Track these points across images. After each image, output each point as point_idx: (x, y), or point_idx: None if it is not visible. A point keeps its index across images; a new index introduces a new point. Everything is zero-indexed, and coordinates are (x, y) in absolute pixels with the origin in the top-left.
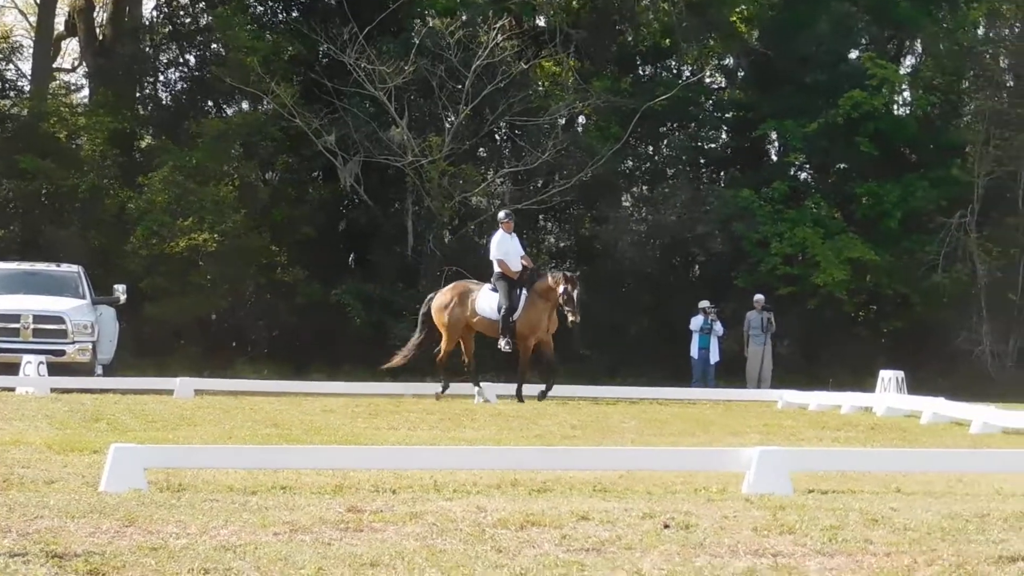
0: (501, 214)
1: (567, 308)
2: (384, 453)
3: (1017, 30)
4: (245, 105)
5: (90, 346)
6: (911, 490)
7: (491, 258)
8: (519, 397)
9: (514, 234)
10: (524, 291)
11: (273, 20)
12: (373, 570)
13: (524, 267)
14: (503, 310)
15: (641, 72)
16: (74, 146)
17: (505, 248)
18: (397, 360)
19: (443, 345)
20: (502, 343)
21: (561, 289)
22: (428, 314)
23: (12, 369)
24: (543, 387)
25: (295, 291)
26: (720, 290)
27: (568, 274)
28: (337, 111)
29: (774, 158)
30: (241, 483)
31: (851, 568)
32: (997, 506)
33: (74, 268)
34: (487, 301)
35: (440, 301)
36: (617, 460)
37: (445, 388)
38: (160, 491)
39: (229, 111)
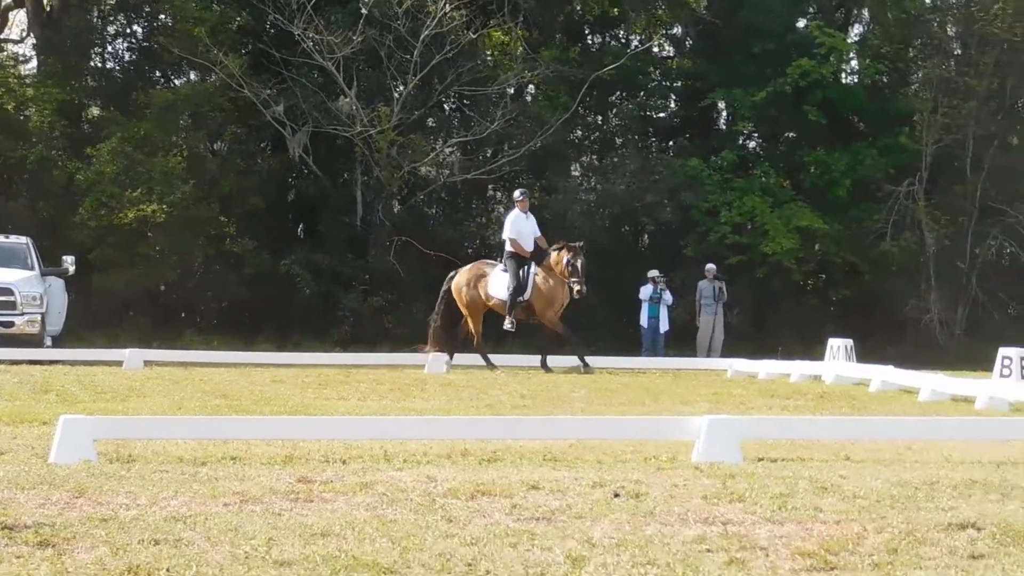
0: (516, 193)
1: (572, 279)
2: (334, 423)
3: None
4: (193, 76)
5: (39, 317)
6: (860, 458)
7: (504, 237)
8: (544, 365)
9: (530, 214)
10: (532, 269)
11: None
12: (323, 540)
13: (537, 247)
14: (511, 289)
15: (590, 41)
16: (22, 117)
17: (519, 228)
18: (431, 345)
19: (472, 327)
20: (506, 323)
21: (565, 260)
22: (449, 292)
23: None
24: (542, 357)
25: (244, 262)
26: (669, 259)
27: (571, 244)
28: (285, 81)
29: (723, 127)
30: (191, 454)
31: (801, 536)
32: (946, 473)
33: (22, 239)
34: (499, 281)
35: (458, 282)
36: (567, 429)
37: (489, 364)
38: (110, 462)
39: (177, 82)
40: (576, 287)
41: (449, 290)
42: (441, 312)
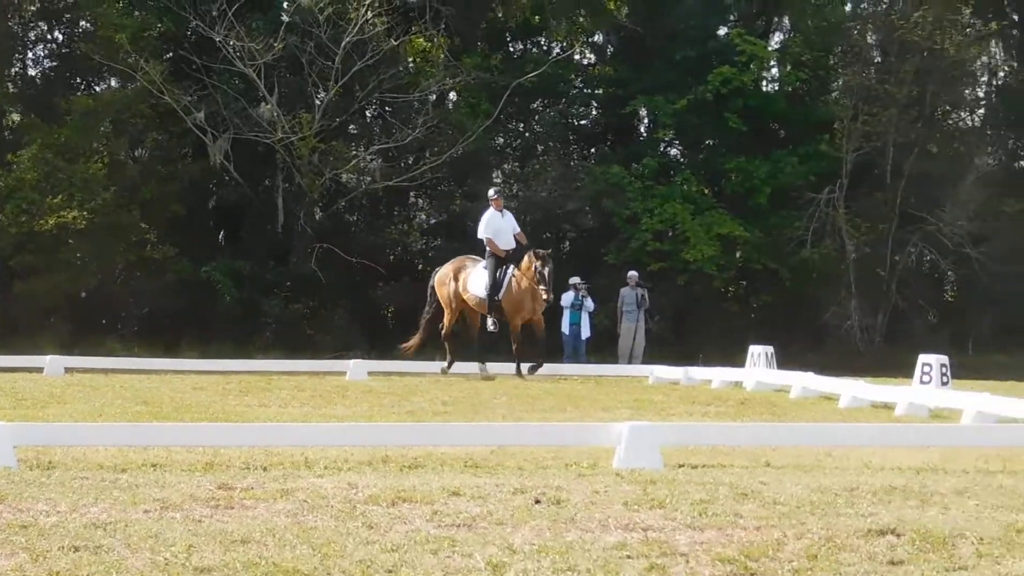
0: (491, 191)
1: (540, 286)
2: (255, 430)
3: (884, 6)
4: (114, 82)
5: None
6: (781, 464)
7: (480, 236)
8: (518, 372)
9: (506, 211)
10: (509, 271)
11: None
12: (244, 547)
13: (518, 244)
14: (488, 289)
15: (511, 49)
16: None
17: (496, 226)
18: (415, 342)
19: (445, 319)
20: (488, 323)
21: (534, 268)
22: (433, 287)
23: None
24: (532, 364)
25: (165, 268)
26: (591, 266)
27: (539, 251)
28: (207, 88)
29: (644, 134)
30: (111, 461)
31: (721, 542)
32: (866, 480)
33: None
34: (478, 278)
35: (440, 275)
36: (488, 436)
37: (451, 364)
38: (30, 469)
39: (98, 88)
40: (543, 295)
41: (433, 285)
42: (433, 306)
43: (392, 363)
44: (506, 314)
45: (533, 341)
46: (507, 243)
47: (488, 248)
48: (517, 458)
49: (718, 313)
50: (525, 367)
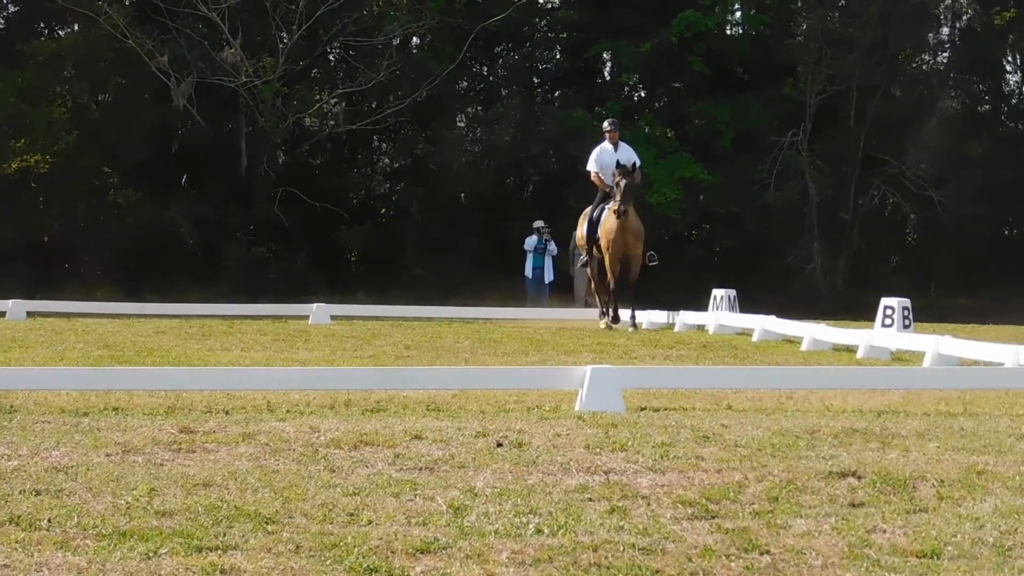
0: (605, 123)
1: (616, 199)
2: (217, 374)
3: None
4: (77, 26)
5: None
6: (742, 407)
7: (587, 169)
8: (613, 320)
9: (623, 144)
10: (608, 204)
11: None
12: (206, 490)
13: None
14: (586, 226)
15: None
16: None
17: (603, 161)
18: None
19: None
20: (579, 260)
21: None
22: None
23: None
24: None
25: (128, 213)
26: (554, 210)
27: (623, 166)
28: (170, 32)
29: (607, 78)
30: (73, 405)
31: (682, 484)
32: (826, 422)
33: None
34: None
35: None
36: (450, 379)
37: (606, 310)
38: None
39: (61, 32)
40: (613, 206)
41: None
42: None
43: (355, 307)
44: (601, 250)
45: (626, 283)
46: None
47: (595, 182)
48: (479, 401)
49: (681, 256)
50: (625, 314)
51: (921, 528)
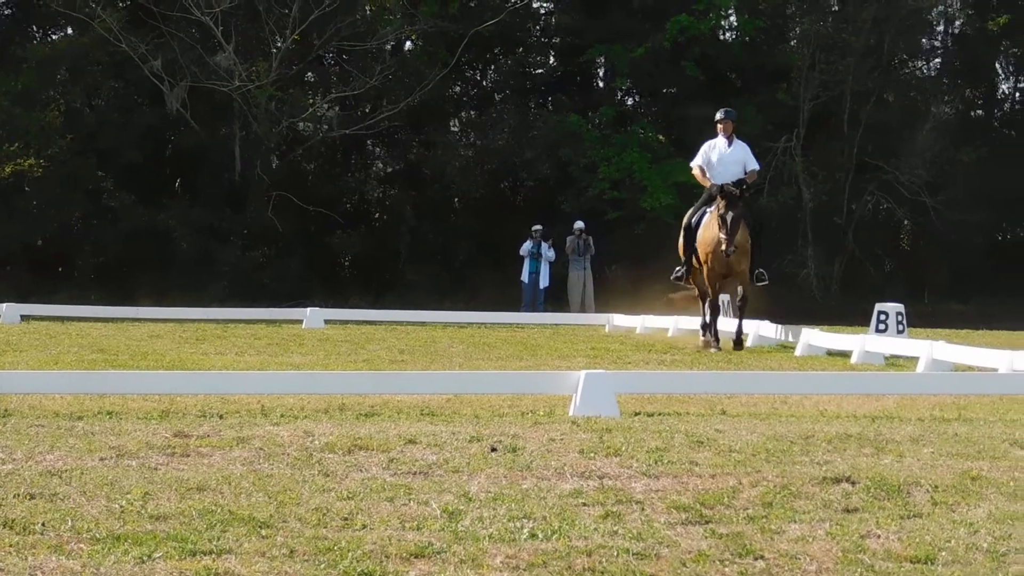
0: (718, 113)
1: (720, 233)
2: (211, 378)
3: None
4: (71, 30)
5: None
6: (736, 412)
7: (691, 164)
8: (711, 338)
9: (738, 141)
10: (710, 209)
11: None
12: (200, 494)
13: (744, 183)
14: (684, 231)
15: None
16: None
17: (708, 156)
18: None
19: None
20: (676, 272)
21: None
22: None
23: None
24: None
25: (121, 217)
26: (548, 215)
27: (726, 187)
28: (163, 36)
29: (601, 83)
30: (67, 408)
31: (676, 489)
32: (821, 428)
33: None
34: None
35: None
36: (444, 384)
37: (706, 330)
38: None
39: (55, 36)
40: (722, 245)
41: None
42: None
43: (349, 311)
44: (700, 263)
45: (737, 297)
46: (728, 179)
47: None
48: (473, 406)
49: (676, 262)
50: (729, 331)
51: (915, 534)
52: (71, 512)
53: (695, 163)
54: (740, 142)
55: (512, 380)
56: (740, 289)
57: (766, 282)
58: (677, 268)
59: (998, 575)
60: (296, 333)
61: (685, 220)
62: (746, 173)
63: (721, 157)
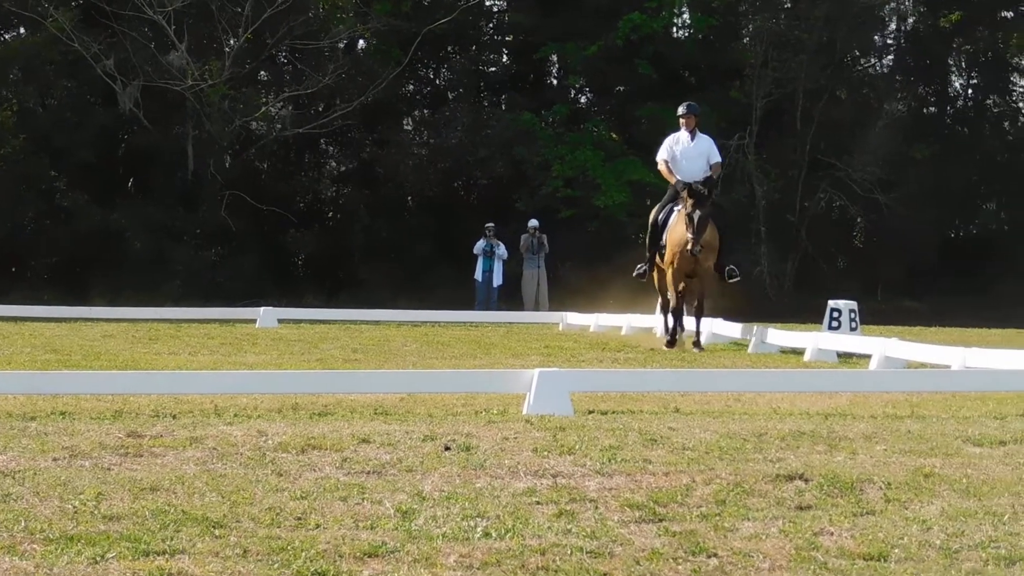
0: (680, 108)
1: (688, 232)
2: (164, 378)
3: None
4: (23, 30)
5: None
6: (689, 410)
7: (656, 159)
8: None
9: (702, 134)
10: (676, 207)
11: None
12: (153, 494)
13: (710, 178)
14: (650, 228)
15: None
16: None
17: (673, 150)
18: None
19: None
20: (637, 269)
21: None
22: None
23: None
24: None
25: (74, 216)
26: (502, 213)
27: (694, 185)
28: (116, 35)
29: (554, 81)
30: (20, 409)
31: (630, 488)
32: (774, 425)
33: None
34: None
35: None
36: (398, 383)
37: (667, 331)
38: None
39: (7, 36)
40: (688, 245)
41: None
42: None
43: (303, 310)
44: (665, 261)
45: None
46: (692, 172)
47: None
48: (427, 405)
49: (629, 260)
50: (688, 332)
51: (868, 531)
52: (24, 513)
53: (660, 157)
54: (703, 136)
55: (466, 379)
56: (701, 294)
57: (738, 278)
58: (639, 265)
59: (951, 572)
60: (250, 332)
61: (652, 216)
62: (710, 166)
63: (685, 151)
